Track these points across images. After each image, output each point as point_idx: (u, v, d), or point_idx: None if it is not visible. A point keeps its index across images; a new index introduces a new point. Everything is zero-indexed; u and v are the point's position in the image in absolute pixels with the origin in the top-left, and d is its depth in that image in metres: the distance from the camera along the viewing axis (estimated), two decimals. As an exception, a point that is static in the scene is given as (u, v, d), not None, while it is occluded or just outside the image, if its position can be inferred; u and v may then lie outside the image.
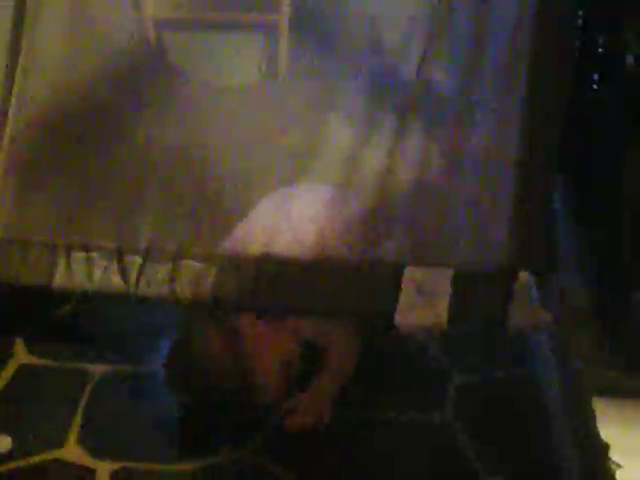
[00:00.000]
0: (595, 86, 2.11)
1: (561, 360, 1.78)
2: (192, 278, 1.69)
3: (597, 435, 1.55)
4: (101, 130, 1.88)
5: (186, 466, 1.69)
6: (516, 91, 1.72)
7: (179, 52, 2.02)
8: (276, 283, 1.67)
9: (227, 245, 1.77)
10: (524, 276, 1.60)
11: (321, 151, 1.82)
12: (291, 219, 1.78)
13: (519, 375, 1.91)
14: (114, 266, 1.73)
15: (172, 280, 1.69)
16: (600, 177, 2.00)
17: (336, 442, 1.75)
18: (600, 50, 2.11)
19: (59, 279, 1.74)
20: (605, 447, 1.53)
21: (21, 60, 1.90)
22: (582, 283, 1.85)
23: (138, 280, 1.70)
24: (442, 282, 1.62)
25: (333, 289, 1.66)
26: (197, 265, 1.70)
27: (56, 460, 1.70)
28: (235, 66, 2.04)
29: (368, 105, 1.82)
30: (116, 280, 1.73)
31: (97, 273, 1.73)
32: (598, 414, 1.57)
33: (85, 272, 1.74)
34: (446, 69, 1.82)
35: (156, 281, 1.70)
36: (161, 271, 1.70)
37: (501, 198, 1.68)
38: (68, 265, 1.75)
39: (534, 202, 1.66)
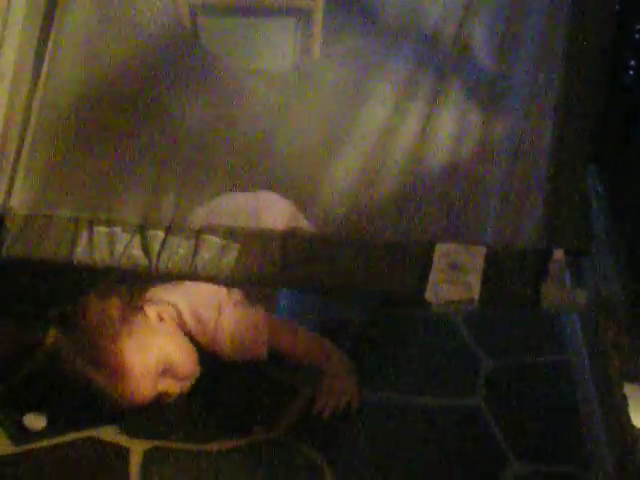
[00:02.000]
0: (632, 72, 2.10)
1: (593, 346, 1.78)
2: (215, 254, 1.68)
3: (628, 421, 1.54)
4: (131, 111, 1.89)
5: (218, 446, 1.70)
6: (552, 71, 1.72)
7: (213, 37, 2.02)
8: (303, 259, 1.65)
9: (251, 220, 1.79)
10: (558, 255, 1.59)
11: (356, 133, 1.82)
12: (320, 195, 1.79)
13: (550, 361, 1.90)
14: (136, 241, 1.74)
15: (194, 255, 1.70)
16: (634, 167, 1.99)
17: (366, 425, 1.75)
18: (637, 36, 2.09)
19: (80, 254, 1.74)
20: (637, 433, 1.52)
21: (51, 42, 1.91)
22: (615, 271, 1.84)
23: (159, 255, 1.70)
24: (475, 259, 1.61)
25: (361, 265, 1.64)
26: (219, 241, 1.71)
27: (89, 438, 1.72)
28: (269, 50, 2.04)
29: (403, 87, 1.82)
30: (138, 254, 1.72)
31: (119, 248, 1.73)
32: (630, 401, 1.57)
33: (107, 246, 1.74)
34: (484, 41, 1.81)
35: (178, 256, 1.70)
36: (183, 246, 1.71)
37: (535, 178, 1.67)
38: (90, 240, 1.76)
39: (568, 182, 1.65)
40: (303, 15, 2.01)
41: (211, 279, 1.69)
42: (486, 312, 2.04)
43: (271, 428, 1.74)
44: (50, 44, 1.90)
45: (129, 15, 1.95)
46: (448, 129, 1.76)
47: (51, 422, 1.75)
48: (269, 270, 1.66)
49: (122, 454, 1.68)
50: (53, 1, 1.92)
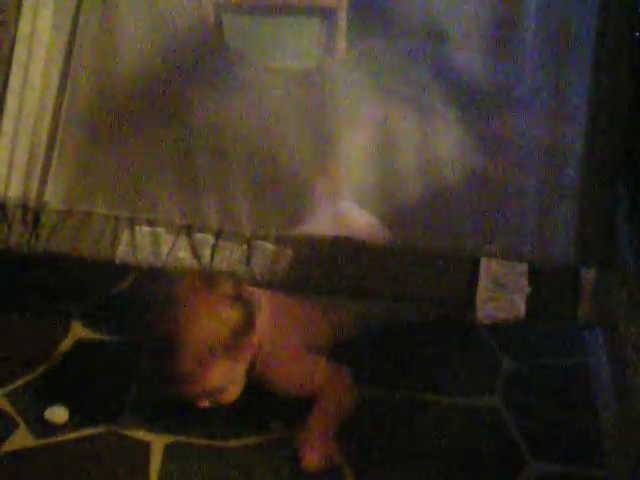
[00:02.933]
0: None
1: (612, 348, 1.77)
2: (267, 259, 1.68)
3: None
4: (159, 108, 1.90)
5: (238, 442, 1.71)
6: (577, 80, 1.72)
7: (237, 35, 2.04)
8: (352, 266, 1.66)
9: (303, 228, 1.81)
10: (591, 272, 1.60)
11: (378, 134, 1.82)
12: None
13: (569, 363, 1.90)
14: (182, 242, 1.74)
15: (249, 260, 1.69)
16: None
17: (382, 424, 1.76)
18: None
19: (123, 252, 1.74)
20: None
21: (79, 37, 1.92)
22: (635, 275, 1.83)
23: (212, 258, 1.70)
24: (518, 277, 1.61)
25: (409, 274, 1.65)
26: (272, 247, 1.70)
27: (110, 432, 1.73)
28: (292, 49, 2.05)
29: (427, 88, 1.82)
30: (184, 256, 1.72)
31: (163, 248, 1.74)
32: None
33: (150, 247, 1.74)
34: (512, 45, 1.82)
35: (232, 260, 1.70)
36: (236, 251, 1.71)
37: (564, 192, 1.67)
38: (132, 239, 1.75)
39: (598, 196, 1.64)
40: (327, 14, 2.02)
41: (267, 284, 1.69)
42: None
43: (289, 425, 1.74)
44: (78, 39, 1.91)
45: (154, 13, 1.97)
46: (476, 135, 1.77)
47: (72, 416, 1.76)
48: (320, 276, 1.67)
49: (143, 449, 1.69)
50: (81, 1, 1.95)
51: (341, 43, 2.00)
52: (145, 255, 1.74)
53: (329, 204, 1.89)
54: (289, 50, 2.04)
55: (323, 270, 1.66)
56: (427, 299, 1.66)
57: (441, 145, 1.78)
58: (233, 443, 1.71)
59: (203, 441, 1.71)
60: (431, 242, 1.68)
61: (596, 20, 1.66)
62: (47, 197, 1.82)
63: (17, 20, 1.89)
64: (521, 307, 1.59)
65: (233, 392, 1.70)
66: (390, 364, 1.89)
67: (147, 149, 1.85)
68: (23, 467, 1.66)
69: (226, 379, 1.66)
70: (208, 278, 1.67)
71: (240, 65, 1.97)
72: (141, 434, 1.72)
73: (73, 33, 1.91)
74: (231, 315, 1.64)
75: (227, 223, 1.75)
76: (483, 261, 1.62)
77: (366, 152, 1.84)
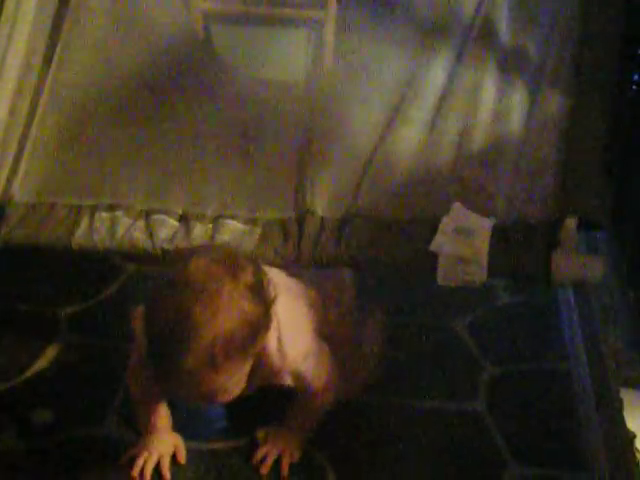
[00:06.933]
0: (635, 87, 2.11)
1: (592, 353, 1.79)
2: (234, 237, 1.70)
3: (624, 425, 1.56)
4: (136, 112, 1.93)
5: (231, 444, 1.72)
6: (567, 53, 1.76)
7: (226, 45, 2.05)
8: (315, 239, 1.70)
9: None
10: (570, 224, 1.56)
11: (364, 141, 1.84)
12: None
13: (550, 368, 1.92)
14: (139, 224, 1.75)
15: (212, 238, 1.70)
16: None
17: (364, 427, 1.76)
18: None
19: (79, 238, 1.75)
20: (631, 436, 1.54)
21: (62, 38, 1.96)
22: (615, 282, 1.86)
23: (173, 239, 1.71)
24: (483, 230, 1.62)
25: (372, 241, 1.69)
26: (240, 226, 1.73)
27: (96, 435, 1.73)
28: (281, 60, 2.06)
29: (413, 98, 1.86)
30: (138, 236, 1.73)
31: (120, 231, 1.74)
32: (625, 405, 1.59)
33: (108, 230, 1.74)
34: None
35: (194, 239, 1.70)
36: (199, 229, 1.72)
37: (549, 148, 1.69)
38: (91, 224, 1.76)
39: (583, 150, 1.66)
40: (315, 26, 2.03)
41: None
42: (489, 320, 2.07)
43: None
44: (61, 40, 1.94)
45: (142, 20, 1.99)
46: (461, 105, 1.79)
47: (59, 418, 1.77)
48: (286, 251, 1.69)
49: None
50: (64, 5, 1.97)
51: (328, 55, 2.02)
52: (101, 238, 1.74)
53: None
54: (277, 61, 2.06)
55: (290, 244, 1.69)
56: (392, 264, 1.67)
57: (436, 157, 1.80)
58: (219, 445, 1.72)
59: (190, 443, 1.70)
60: (393, 210, 1.72)
61: None
62: (14, 192, 1.85)
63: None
64: (483, 268, 1.58)
65: (233, 393, 1.49)
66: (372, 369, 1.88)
67: (118, 147, 1.89)
68: (9, 469, 1.66)
69: (233, 380, 1.45)
70: (228, 261, 1.41)
71: (227, 74, 1.98)
72: (126, 437, 1.72)
73: (55, 33, 1.94)
74: (253, 310, 1.40)
75: (193, 207, 1.77)
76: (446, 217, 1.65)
77: (351, 162, 1.85)
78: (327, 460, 1.68)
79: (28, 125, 1.91)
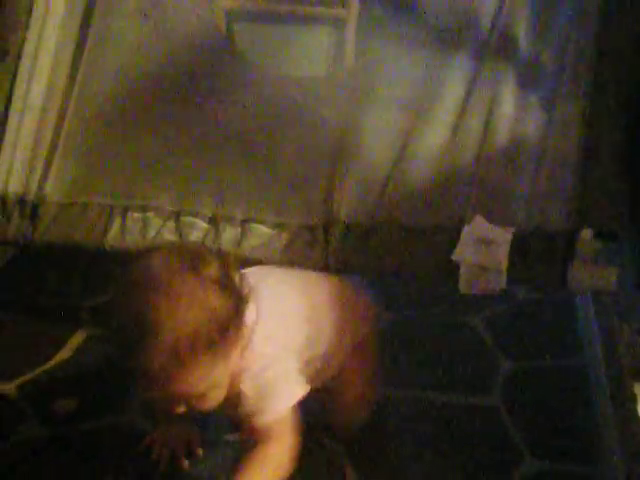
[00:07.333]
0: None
1: (608, 349, 1.80)
2: (261, 241, 1.72)
3: (636, 418, 1.57)
4: (165, 106, 1.95)
5: (236, 436, 1.72)
6: (584, 61, 1.77)
7: (248, 43, 2.06)
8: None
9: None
10: (587, 235, 1.60)
11: (386, 143, 1.86)
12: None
13: (566, 363, 1.94)
14: (170, 225, 1.77)
15: (240, 243, 1.73)
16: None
17: (381, 422, 1.77)
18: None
19: (112, 239, 1.78)
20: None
21: (91, 35, 1.98)
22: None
23: (203, 240, 1.74)
24: (504, 239, 1.64)
25: (395, 249, 1.70)
26: (268, 230, 1.75)
27: (118, 424, 1.76)
28: (303, 58, 2.07)
29: (432, 97, 1.87)
30: (170, 239, 1.75)
31: (151, 232, 1.77)
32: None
33: (139, 231, 1.77)
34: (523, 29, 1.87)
35: (223, 242, 1.73)
36: (228, 232, 1.75)
37: (567, 156, 1.71)
38: (123, 225, 1.79)
39: (601, 158, 1.67)
40: (337, 23, 2.04)
41: (260, 262, 1.69)
42: (505, 316, 2.09)
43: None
44: (90, 36, 1.96)
45: (166, 18, 2.01)
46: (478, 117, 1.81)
47: (81, 407, 1.80)
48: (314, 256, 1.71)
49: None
50: (93, 3, 1.99)
51: (350, 52, 2.03)
52: (133, 239, 1.77)
53: None
54: (299, 58, 2.07)
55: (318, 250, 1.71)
56: (412, 272, 1.70)
57: (459, 160, 1.81)
58: (234, 436, 1.72)
59: (205, 434, 1.72)
60: (416, 216, 1.73)
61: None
62: (47, 191, 1.88)
63: (28, 17, 1.95)
64: (503, 276, 1.61)
65: (214, 398, 1.40)
66: (389, 363, 1.90)
67: (147, 148, 1.91)
68: (32, 457, 1.69)
69: (207, 381, 1.35)
70: (190, 256, 1.36)
71: (249, 72, 2.00)
72: (147, 426, 1.74)
73: (84, 34, 1.97)
74: (218, 304, 1.32)
75: (221, 209, 1.79)
76: (472, 222, 1.67)
77: (376, 165, 1.86)
78: (344, 452, 1.70)
79: (59, 127, 1.93)
